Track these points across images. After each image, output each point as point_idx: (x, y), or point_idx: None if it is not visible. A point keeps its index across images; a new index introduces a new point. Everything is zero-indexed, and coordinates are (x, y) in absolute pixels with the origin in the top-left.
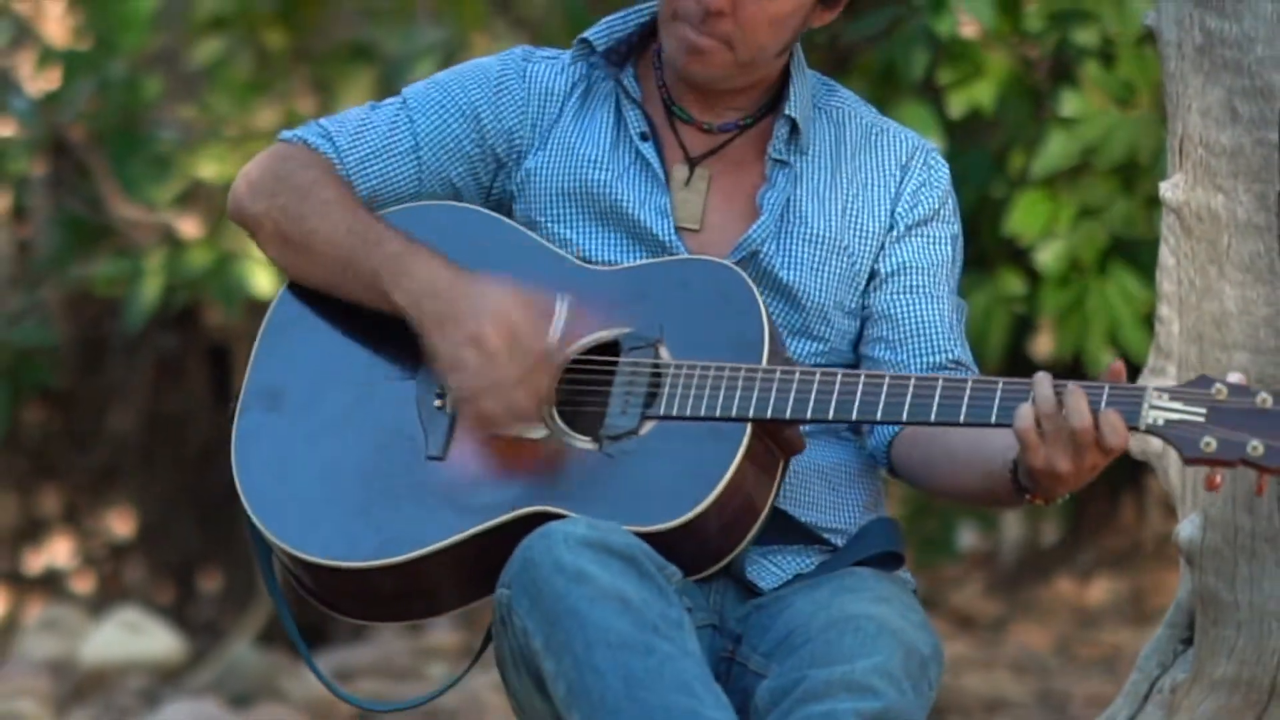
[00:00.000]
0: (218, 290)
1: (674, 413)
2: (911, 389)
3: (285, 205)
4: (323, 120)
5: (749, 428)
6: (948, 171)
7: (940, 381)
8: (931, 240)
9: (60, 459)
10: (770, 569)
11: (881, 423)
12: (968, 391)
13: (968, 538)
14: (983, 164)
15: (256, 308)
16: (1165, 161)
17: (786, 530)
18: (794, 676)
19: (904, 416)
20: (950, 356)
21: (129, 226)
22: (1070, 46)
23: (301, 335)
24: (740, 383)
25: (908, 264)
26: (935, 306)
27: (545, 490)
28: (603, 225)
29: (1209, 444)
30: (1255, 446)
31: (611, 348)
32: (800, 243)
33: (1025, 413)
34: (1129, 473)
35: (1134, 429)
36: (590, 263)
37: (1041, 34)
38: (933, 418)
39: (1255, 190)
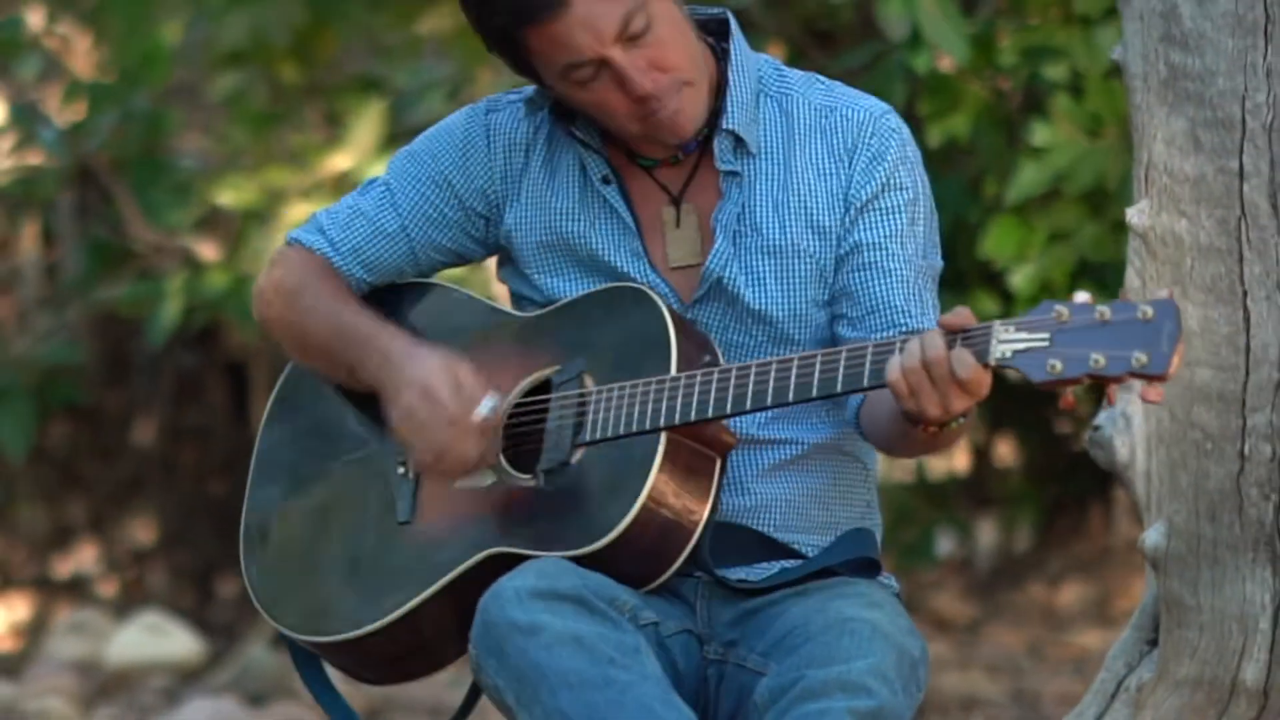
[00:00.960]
0: (235, 311)
1: (599, 436)
2: (795, 369)
3: (281, 315)
4: (320, 214)
5: (663, 436)
6: (900, 133)
7: (819, 356)
8: (884, 212)
9: (86, 470)
10: (757, 570)
11: (772, 407)
12: (842, 360)
13: (945, 545)
14: (959, 191)
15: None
16: (1131, 188)
17: (771, 550)
18: (792, 676)
19: (790, 398)
20: (906, 329)
21: (151, 250)
22: (1041, 80)
23: (292, 419)
24: (652, 395)
25: (861, 242)
26: (890, 280)
27: (499, 533)
28: (585, 272)
29: (1054, 365)
30: (1097, 359)
31: (546, 385)
32: (759, 256)
33: (892, 365)
34: (1097, 483)
35: (985, 365)
36: (526, 309)
37: (1014, 68)
38: (814, 393)
39: (1217, 215)
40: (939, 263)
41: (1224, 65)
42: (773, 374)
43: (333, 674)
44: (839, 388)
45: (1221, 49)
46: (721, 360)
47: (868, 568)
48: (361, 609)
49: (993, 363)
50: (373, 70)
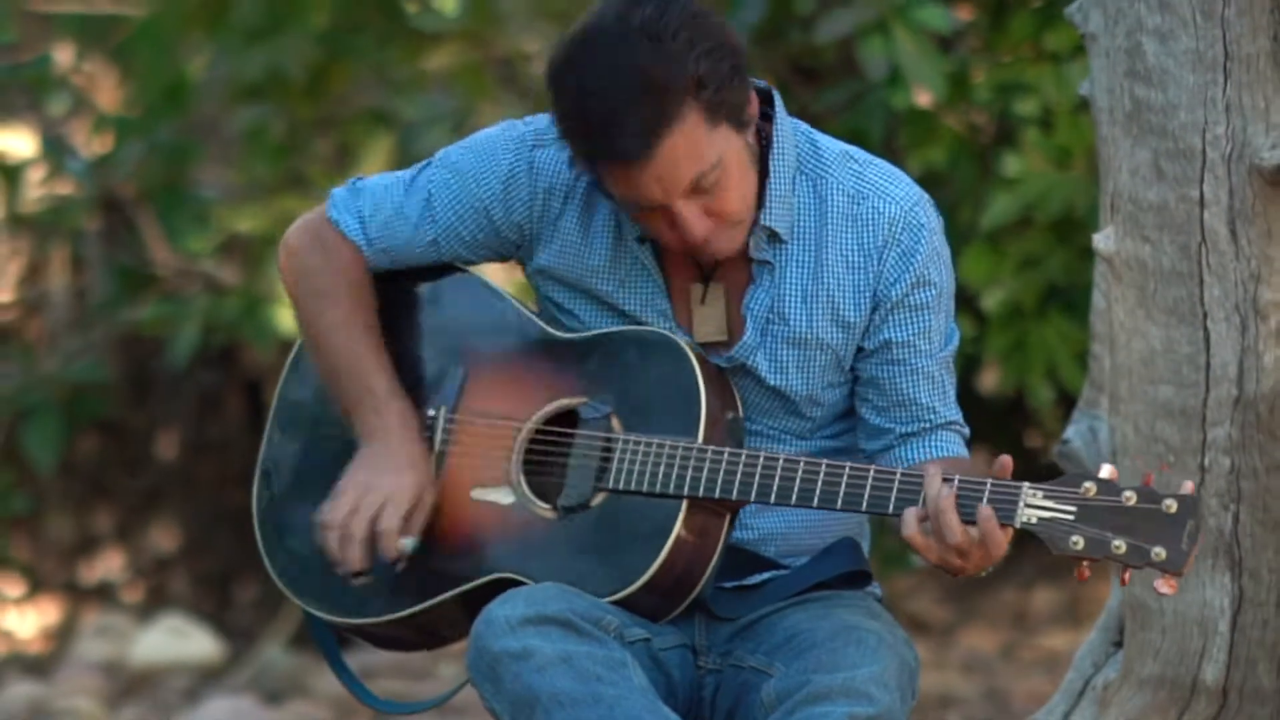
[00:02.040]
0: (251, 332)
1: (621, 486)
2: (822, 477)
3: (304, 303)
4: (364, 197)
5: (685, 502)
6: (930, 228)
7: (846, 470)
8: (913, 309)
9: (112, 482)
10: (748, 583)
11: (796, 505)
12: (869, 483)
13: None
14: None
15: (286, 346)
16: (1098, 216)
17: (761, 565)
18: (799, 679)
19: (814, 503)
20: (929, 424)
21: (173, 275)
22: (1013, 114)
23: (308, 406)
24: (678, 461)
25: (891, 340)
26: (915, 378)
27: (512, 557)
28: (611, 318)
29: (1077, 542)
30: (1118, 545)
31: (570, 416)
32: (784, 346)
33: (909, 520)
34: None
35: (1008, 527)
36: (559, 328)
37: (987, 103)
38: (839, 505)
39: (1179, 241)
40: (957, 339)
41: (1185, 99)
42: (799, 475)
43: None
44: (864, 507)
45: (1183, 84)
46: (742, 415)
47: (857, 579)
48: (380, 600)
49: (1018, 525)
50: (381, 104)
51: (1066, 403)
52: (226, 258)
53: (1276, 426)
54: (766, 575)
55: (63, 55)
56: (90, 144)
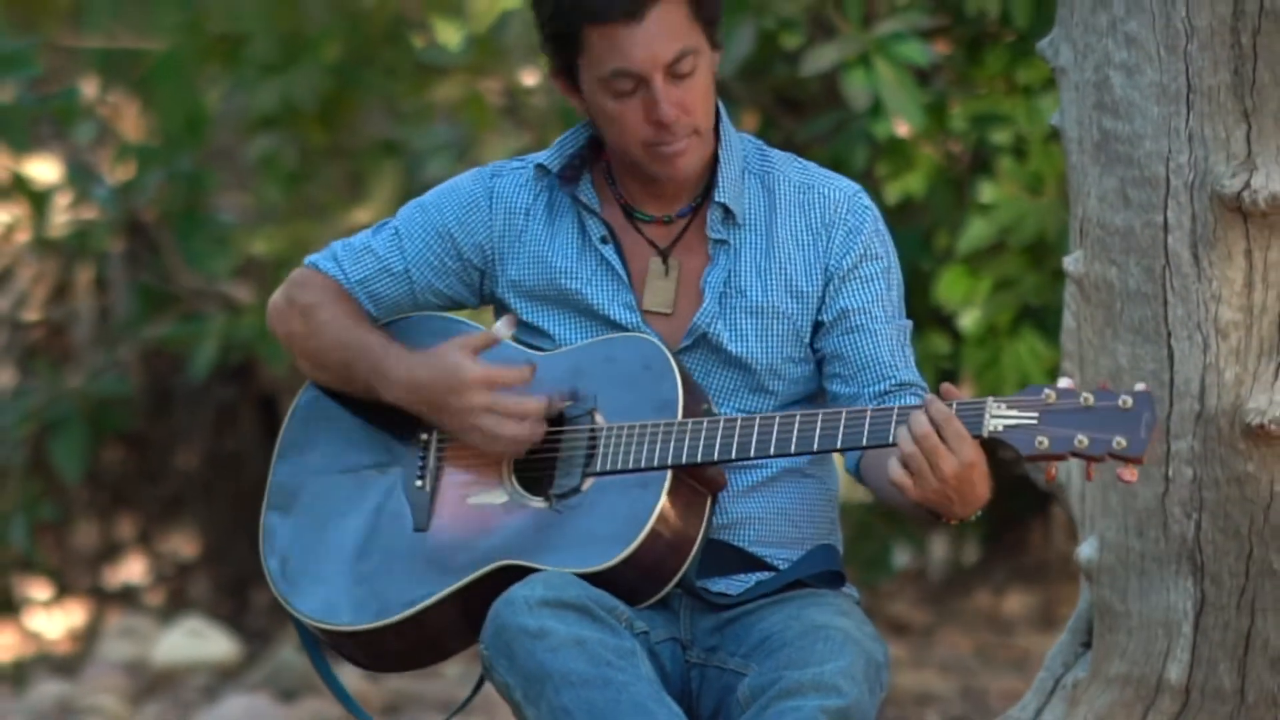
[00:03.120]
0: (267, 349)
1: (608, 468)
2: (797, 424)
3: (295, 329)
4: (337, 245)
5: (669, 473)
6: (872, 210)
7: (820, 415)
8: (864, 280)
9: (134, 491)
10: (735, 583)
11: (775, 455)
12: (843, 420)
13: (901, 558)
14: (914, 243)
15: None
16: (1068, 240)
17: (747, 563)
18: (772, 676)
19: (792, 449)
20: (895, 381)
21: (193, 295)
22: (988, 144)
23: (311, 434)
24: (660, 437)
25: (847, 308)
26: (876, 340)
27: (511, 547)
28: (580, 321)
29: (1042, 442)
30: (1081, 440)
31: (558, 418)
32: (743, 315)
33: (894, 467)
34: (1038, 502)
35: (978, 436)
36: (540, 348)
37: (963, 133)
38: (815, 447)
39: (1144, 264)
40: (908, 322)
41: (1150, 130)
42: (776, 426)
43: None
44: (839, 443)
45: (1148, 115)
46: (715, 412)
47: (833, 579)
48: (379, 604)
49: (985, 434)
50: (390, 134)
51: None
52: (243, 279)
53: (1236, 440)
54: (752, 580)
55: (88, 88)
56: (114, 171)
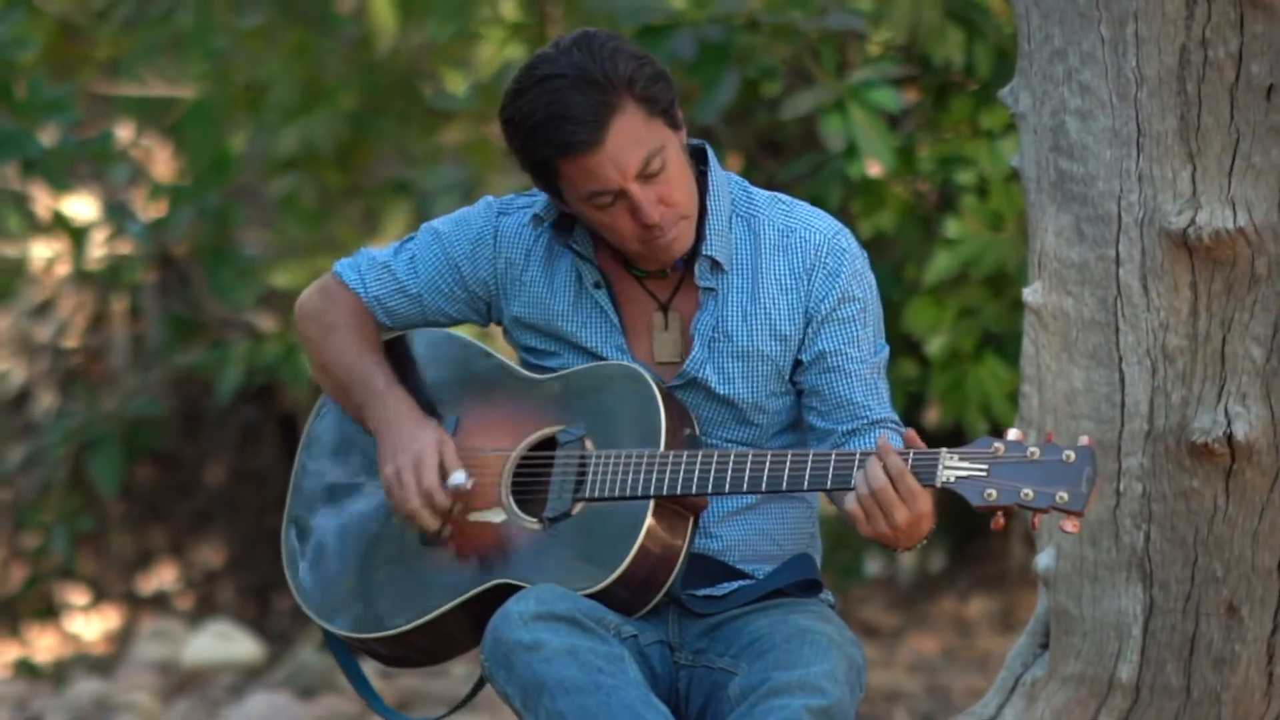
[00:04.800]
0: (287, 374)
1: (597, 495)
2: (768, 464)
3: (314, 338)
4: (363, 255)
5: (652, 501)
6: (850, 251)
7: (789, 456)
8: (841, 321)
9: (166, 505)
10: (718, 590)
11: (748, 492)
12: (809, 464)
13: (873, 566)
14: (885, 275)
15: (317, 387)
16: (1027, 272)
17: (730, 574)
18: (761, 676)
19: (763, 487)
20: (867, 420)
21: (219, 323)
22: (953, 183)
23: (327, 456)
24: (644, 466)
25: (824, 350)
26: (850, 381)
27: (506, 566)
28: (578, 356)
29: (991, 494)
30: (1027, 493)
31: (550, 440)
32: (729, 359)
33: (851, 504)
34: None
35: (930, 486)
36: (547, 368)
37: (931, 174)
38: (784, 487)
39: (1097, 295)
40: (886, 351)
41: (1103, 171)
42: (749, 465)
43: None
44: (805, 485)
45: (1101, 158)
46: (698, 432)
47: (811, 587)
48: (392, 615)
49: (938, 484)
50: (401, 175)
51: (997, 435)
52: (266, 309)
53: (1182, 457)
54: (734, 585)
55: (123, 132)
56: (147, 209)
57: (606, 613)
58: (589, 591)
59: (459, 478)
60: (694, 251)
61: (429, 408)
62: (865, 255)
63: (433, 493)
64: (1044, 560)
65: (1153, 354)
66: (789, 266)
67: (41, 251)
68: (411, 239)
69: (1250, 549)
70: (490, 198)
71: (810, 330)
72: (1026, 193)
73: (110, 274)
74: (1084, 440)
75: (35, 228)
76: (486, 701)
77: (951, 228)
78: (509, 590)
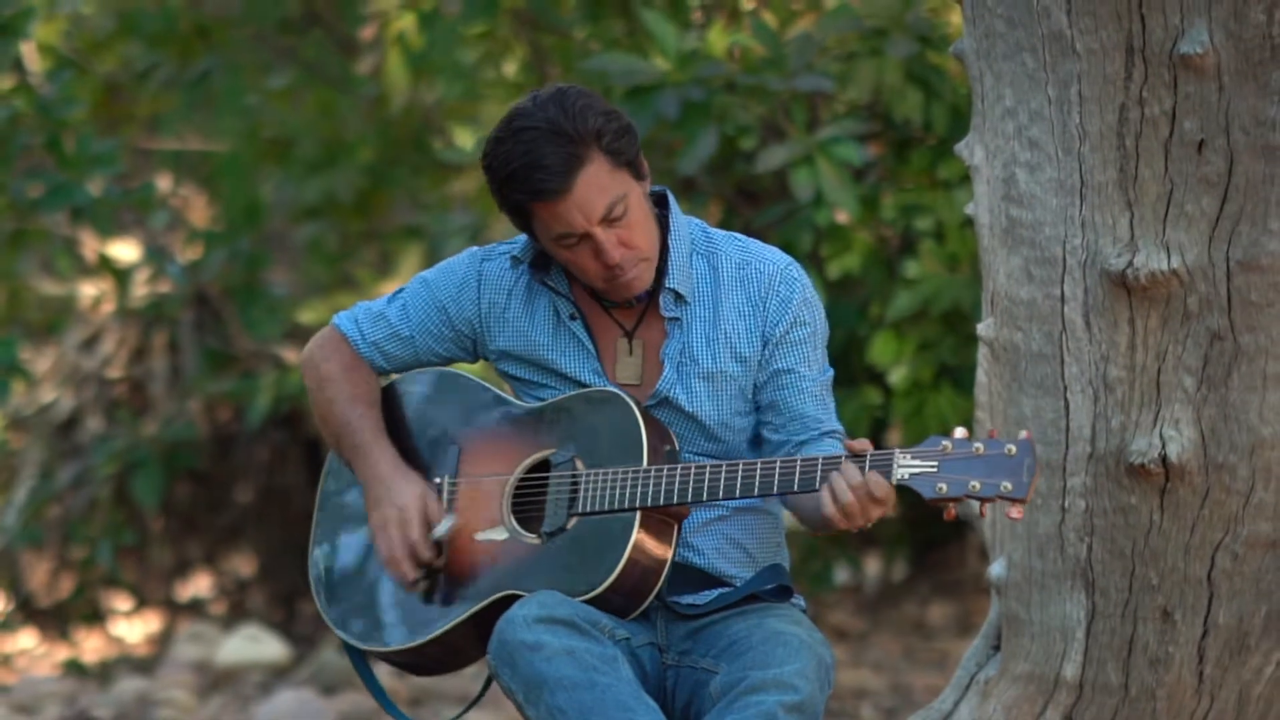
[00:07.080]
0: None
1: (590, 509)
2: (740, 473)
3: (313, 388)
4: (360, 308)
5: (639, 513)
6: (801, 281)
7: (759, 465)
8: (793, 343)
9: (202, 519)
10: (701, 596)
11: (724, 499)
12: (777, 470)
13: (841, 575)
14: (851, 312)
15: None
16: (981, 310)
17: (709, 581)
18: (739, 675)
19: (736, 494)
20: (818, 431)
21: (250, 356)
22: (913, 229)
23: (346, 482)
24: (630, 482)
25: (779, 369)
26: (803, 396)
27: (510, 577)
28: (560, 383)
29: (941, 488)
30: (974, 485)
31: (544, 463)
32: (696, 380)
33: (829, 509)
34: (956, 529)
35: (890, 484)
36: (537, 396)
37: (893, 220)
38: (755, 492)
39: (1044, 330)
40: (831, 372)
41: (1050, 218)
42: (723, 474)
43: (380, 670)
44: (775, 490)
45: (1048, 206)
46: (677, 447)
47: (784, 593)
48: (407, 629)
49: (894, 482)
50: (414, 221)
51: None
52: (291, 342)
53: (1121, 476)
54: (715, 592)
55: (163, 182)
56: (184, 252)
57: (602, 617)
58: (586, 596)
59: (442, 529)
60: (657, 285)
61: (433, 442)
62: (811, 283)
63: (416, 546)
64: (996, 570)
65: (1094, 383)
66: (746, 295)
67: (89, 291)
68: (403, 290)
69: (1183, 560)
70: (475, 248)
71: (766, 351)
72: (980, 237)
73: (151, 311)
74: (1023, 434)
75: (83, 269)
76: (490, 698)
77: (912, 269)
78: (514, 600)
